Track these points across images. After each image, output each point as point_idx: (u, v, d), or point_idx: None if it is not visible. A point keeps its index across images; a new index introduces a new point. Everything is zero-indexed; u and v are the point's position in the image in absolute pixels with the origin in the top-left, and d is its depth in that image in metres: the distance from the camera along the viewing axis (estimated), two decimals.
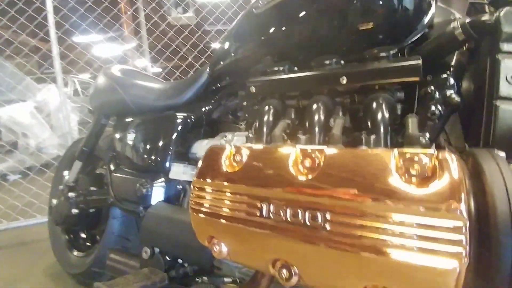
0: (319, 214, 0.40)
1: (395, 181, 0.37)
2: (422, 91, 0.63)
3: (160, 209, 0.88)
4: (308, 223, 0.41)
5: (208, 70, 1.05)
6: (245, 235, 0.49)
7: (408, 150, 0.38)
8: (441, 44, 0.62)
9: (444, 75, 0.63)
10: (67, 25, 2.41)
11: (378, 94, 0.62)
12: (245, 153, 0.52)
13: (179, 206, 0.94)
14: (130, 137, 1.11)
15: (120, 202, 1.08)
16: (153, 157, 1.03)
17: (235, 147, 0.54)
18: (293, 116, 0.72)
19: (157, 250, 0.82)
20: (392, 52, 0.64)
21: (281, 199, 0.45)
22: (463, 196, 0.34)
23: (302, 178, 0.44)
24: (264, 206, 0.45)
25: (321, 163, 0.43)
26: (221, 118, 1.11)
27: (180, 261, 0.79)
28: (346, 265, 0.40)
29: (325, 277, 0.43)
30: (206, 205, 0.53)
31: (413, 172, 0.36)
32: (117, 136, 1.16)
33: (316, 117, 0.64)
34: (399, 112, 0.63)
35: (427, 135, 0.58)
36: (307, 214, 0.41)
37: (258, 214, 0.46)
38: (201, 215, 0.54)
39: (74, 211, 1.29)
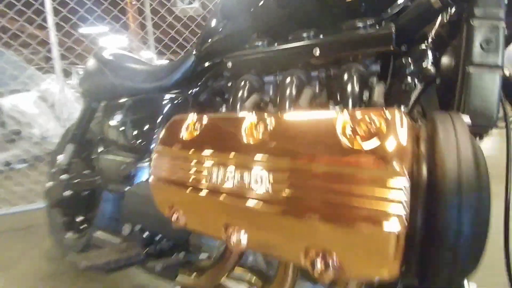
0: (263, 177, 0.40)
1: (339, 140, 0.36)
2: (397, 63, 0.61)
3: (141, 188, 0.89)
4: (253, 186, 0.41)
5: (194, 51, 1.04)
6: (199, 202, 0.49)
7: (355, 110, 0.37)
8: (417, 14, 0.60)
9: (421, 47, 0.61)
10: (75, 18, 2.41)
11: (351, 65, 0.60)
12: (205, 120, 0.51)
13: None
14: (117, 119, 1.11)
15: (106, 183, 1.10)
16: (138, 138, 1.03)
17: (197, 116, 0.53)
18: (268, 91, 0.71)
19: (137, 228, 0.83)
20: (369, 23, 0.62)
21: (230, 163, 0.44)
22: (406, 154, 0.33)
23: (251, 142, 0.43)
24: (215, 171, 0.45)
25: (272, 128, 0.42)
26: (208, 100, 1.11)
27: (157, 238, 0.80)
28: (288, 228, 0.39)
29: (269, 240, 0.43)
30: (164, 172, 0.53)
31: (358, 131, 0.35)
32: (105, 118, 1.17)
33: (288, 91, 0.63)
34: (374, 84, 0.61)
35: (402, 108, 0.57)
36: (252, 177, 0.41)
37: (209, 179, 0.46)
38: (160, 183, 0.54)
39: (67, 193, 1.31)
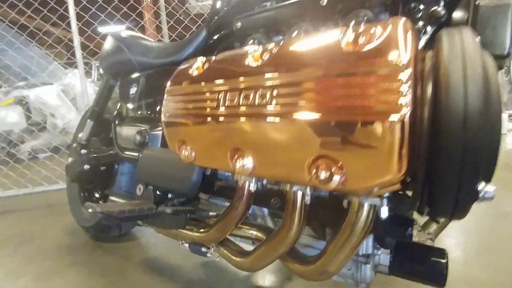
0: (269, 93, 0.41)
1: (343, 46, 0.36)
2: (407, 8, 0.60)
3: (154, 150, 0.92)
4: (259, 104, 0.42)
5: (205, 26, 1.06)
6: (206, 132, 0.51)
7: (359, 25, 0.37)
8: None
9: None
10: (87, 16, 2.51)
11: (359, 13, 0.60)
12: (213, 59, 0.53)
13: None
14: (133, 91, 1.16)
15: (122, 152, 1.14)
16: (152, 109, 1.07)
17: (206, 58, 0.55)
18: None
19: (150, 187, 0.86)
20: None
21: (237, 86, 0.45)
22: (411, 50, 0.32)
23: (257, 64, 0.44)
24: (222, 96, 0.46)
25: (277, 50, 0.43)
26: None
27: (169, 196, 0.82)
28: (294, 140, 0.40)
29: (275, 160, 0.44)
30: (174, 109, 0.55)
31: (362, 37, 0.35)
32: (122, 91, 1.21)
33: None
34: None
35: None
36: (259, 95, 0.42)
37: (217, 105, 0.47)
38: (170, 121, 0.56)
39: (86, 167, 1.37)
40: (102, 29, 3.63)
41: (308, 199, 0.55)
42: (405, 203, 0.55)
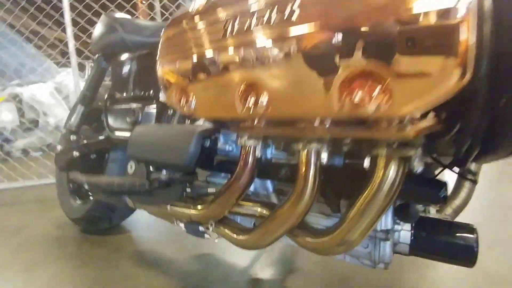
0: (288, 5, 0.34)
1: None
2: None
3: (147, 125, 0.85)
4: (274, 19, 0.35)
5: None
6: (211, 71, 0.44)
7: None
8: None
9: None
10: (83, 22, 2.46)
11: None
12: None
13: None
14: (126, 70, 1.09)
15: (113, 134, 1.07)
16: (146, 86, 1.01)
17: None
18: None
19: (142, 164, 0.79)
20: None
21: (247, 10, 0.39)
22: None
23: None
24: (230, 24, 0.40)
25: None
26: None
27: (164, 172, 0.75)
28: (325, 56, 0.33)
29: (296, 89, 0.37)
30: (172, 54, 0.49)
31: None
32: (114, 72, 1.15)
33: None
34: None
35: None
36: (275, 11, 0.35)
37: (222, 36, 0.41)
38: (168, 68, 0.50)
39: (76, 154, 1.29)
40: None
41: (325, 156, 0.48)
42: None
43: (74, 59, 2.31)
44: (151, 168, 0.76)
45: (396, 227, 0.59)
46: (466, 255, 0.54)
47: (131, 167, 0.82)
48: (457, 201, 0.75)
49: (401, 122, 0.35)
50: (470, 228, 0.56)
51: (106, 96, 1.19)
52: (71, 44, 2.25)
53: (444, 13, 0.26)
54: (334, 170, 0.57)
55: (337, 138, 0.48)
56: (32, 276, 1.11)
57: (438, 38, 0.27)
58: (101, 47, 1.26)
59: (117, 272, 1.11)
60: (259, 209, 0.66)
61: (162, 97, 0.90)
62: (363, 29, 0.30)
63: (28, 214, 1.76)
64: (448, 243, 0.56)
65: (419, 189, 0.50)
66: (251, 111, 0.40)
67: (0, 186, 2.10)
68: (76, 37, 2.46)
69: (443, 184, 0.49)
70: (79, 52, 2.46)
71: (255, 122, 0.46)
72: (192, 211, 0.68)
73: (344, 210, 0.61)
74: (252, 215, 0.66)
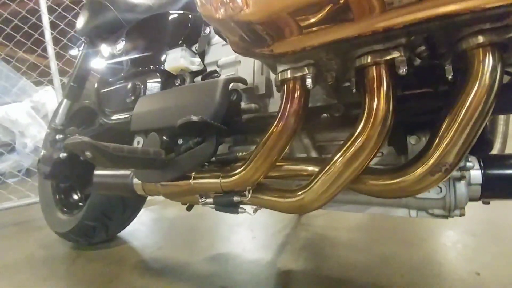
0: None
1: None
2: None
3: (154, 94, 0.73)
4: None
5: None
6: None
7: None
8: None
9: None
10: (65, 40, 2.32)
11: None
12: None
13: None
14: (119, 47, 0.97)
15: (109, 119, 0.92)
16: (144, 59, 0.88)
17: None
18: None
19: (153, 134, 0.65)
20: None
21: None
22: None
23: None
24: None
25: None
26: None
27: (180, 141, 0.62)
28: None
29: None
30: None
31: None
32: (106, 50, 1.02)
33: None
34: None
35: None
36: None
37: None
38: None
39: (62, 155, 1.13)
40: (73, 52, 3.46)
41: (402, 66, 0.38)
42: None
43: (57, 79, 2.14)
44: (164, 137, 0.63)
45: (468, 164, 0.49)
46: None
47: (138, 142, 0.68)
48: (497, 142, 0.67)
49: None
50: None
51: (96, 83, 1.06)
52: (53, 64, 2.08)
53: None
54: (401, 96, 0.47)
55: (413, 37, 0.38)
56: None
57: None
58: (91, 30, 1.13)
59: (122, 285, 0.93)
60: (308, 167, 0.54)
61: (167, 64, 0.78)
62: None
63: (6, 239, 1.54)
64: None
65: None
66: None
67: None
68: (58, 57, 2.31)
69: None
70: (61, 72, 2.30)
71: (314, 20, 0.35)
72: (223, 180, 0.55)
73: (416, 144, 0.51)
74: (299, 175, 0.54)
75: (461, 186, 0.49)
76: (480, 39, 0.36)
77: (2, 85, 3.40)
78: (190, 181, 0.59)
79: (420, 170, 0.39)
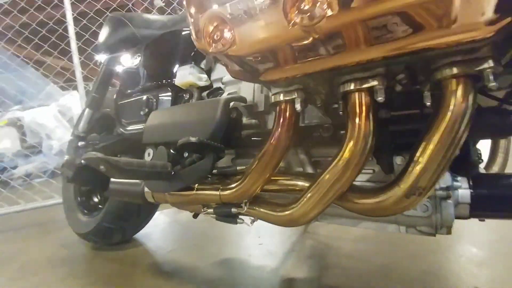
0: None
1: None
2: None
3: (164, 109, 0.79)
4: None
5: None
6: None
7: None
8: None
9: None
10: (89, 50, 2.47)
11: None
12: None
13: None
14: (136, 61, 1.04)
15: (126, 129, 1.00)
16: (157, 74, 0.95)
17: None
18: None
19: (161, 147, 0.71)
20: None
21: None
22: None
23: None
24: None
25: None
26: None
27: (185, 154, 0.67)
28: None
29: None
30: None
31: None
32: (124, 65, 1.10)
33: None
34: None
35: None
36: None
37: None
38: (197, 6, 0.43)
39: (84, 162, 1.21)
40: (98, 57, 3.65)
41: (380, 94, 0.41)
42: None
43: (81, 86, 2.29)
44: (171, 151, 0.68)
45: (455, 184, 0.51)
46: None
47: (149, 154, 0.74)
48: (496, 165, 0.68)
49: (473, 19, 0.30)
50: None
51: (115, 94, 1.14)
52: (78, 72, 2.24)
53: None
54: (388, 118, 0.50)
55: (393, 68, 0.41)
56: None
57: None
58: (110, 46, 1.22)
59: (135, 286, 1.00)
60: (299, 182, 0.57)
61: (177, 80, 0.84)
62: None
63: (29, 239, 1.65)
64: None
65: (491, 118, 0.44)
66: (304, 20, 0.34)
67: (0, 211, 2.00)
68: (82, 65, 2.46)
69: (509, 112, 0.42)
70: (85, 78, 2.45)
71: (300, 52, 0.39)
72: (222, 192, 0.60)
73: (401, 163, 0.53)
74: (292, 190, 0.58)
75: (447, 205, 0.51)
76: (452, 70, 0.38)
77: (30, 90, 3.63)
78: (193, 192, 0.64)
79: (396, 193, 0.42)
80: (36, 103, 3.79)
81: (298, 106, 0.49)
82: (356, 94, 0.44)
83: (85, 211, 1.40)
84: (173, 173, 0.64)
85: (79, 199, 1.43)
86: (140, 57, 1.04)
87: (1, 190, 2.21)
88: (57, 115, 3.76)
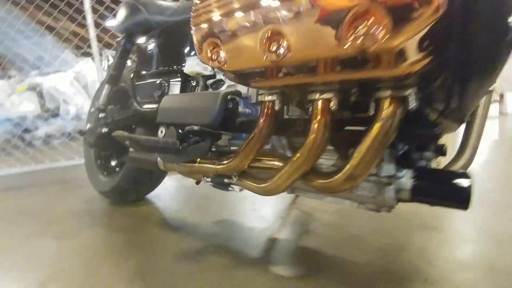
0: None
1: None
2: None
3: (175, 95, 0.94)
4: None
5: None
6: (240, 22, 0.52)
7: None
8: None
9: None
10: (102, 9, 2.55)
11: None
12: None
13: None
14: (150, 47, 1.18)
15: (141, 107, 1.16)
16: (169, 60, 1.09)
17: None
18: None
19: (172, 127, 0.88)
20: None
21: None
22: None
23: None
24: None
25: None
26: None
27: (191, 135, 0.84)
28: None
29: (309, 36, 0.45)
30: (207, 10, 0.57)
31: None
32: (139, 50, 1.24)
33: None
34: None
35: None
36: None
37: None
38: (202, 26, 0.58)
39: (104, 130, 1.40)
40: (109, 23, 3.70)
41: (334, 103, 0.56)
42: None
43: (95, 45, 2.42)
44: (180, 131, 0.85)
45: (399, 174, 0.67)
46: (460, 199, 0.60)
47: (162, 132, 0.91)
48: (462, 160, 0.82)
49: (398, 59, 0.43)
50: (465, 175, 0.62)
51: (132, 74, 1.29)
52: (92, 31, 2.35)
53: None
54: (344, 120, 0.65)
55: (345, 86, 0.55)
56: (63, 243, 1.21)
57: None
58: (126, 28, 1.36)
59: (146, 236, 1.22)
60: (276, 162, 0.74)
61: (186, 69, 0.99)
62: None
63: (57, 193, 1.91)
64: (444, 188, 0.63)
65: (415, 127, 0.58)
66: (273, 57, 0.48)
67: (27, 168, 2.25)
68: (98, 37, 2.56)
69: (435, 124, 0.56)
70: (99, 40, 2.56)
71: (275, 71, 0.54)
72: (218, 166, 0.77)
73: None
74: (270, 168, 0.75)
75: (388, 190, 0.67)
76: (386, 93, 0.52)
77: (47, 55, 3.78)
78: (196, 164, 0.82)
79: (340, 177, 0.58)
80: (52, 69, 3.94)
81: (277, 105, 0.64)
82: (318, 102, 0.59)
83: (105, 172, 1.61)
84: (180, 149, 0.81)
85: (99, 161, 1.64)
86: (154, 42, 1.18)
87: (28, 150, 2.45)
88: (73, 82, 3.93)
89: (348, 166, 0.57)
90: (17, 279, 0.98)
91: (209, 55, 0.58)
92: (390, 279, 0.85)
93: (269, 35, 0.48)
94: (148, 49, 1.19)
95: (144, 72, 1.20)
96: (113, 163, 1.66)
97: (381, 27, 0.39)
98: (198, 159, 0.82)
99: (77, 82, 4.03)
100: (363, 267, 0.92)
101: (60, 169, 2.28)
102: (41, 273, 1.00)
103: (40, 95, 3.76)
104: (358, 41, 0.40)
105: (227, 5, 0.53)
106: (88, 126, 1.50)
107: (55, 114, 3.70)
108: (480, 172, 1.75)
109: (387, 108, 0.53)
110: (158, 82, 1.05)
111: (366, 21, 0.40)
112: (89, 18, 2.33)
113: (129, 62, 1.49)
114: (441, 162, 0.82)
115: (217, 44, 0.56)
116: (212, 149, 0.83)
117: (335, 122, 0.60)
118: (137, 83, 1.21)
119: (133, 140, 0.72)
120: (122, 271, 0.96)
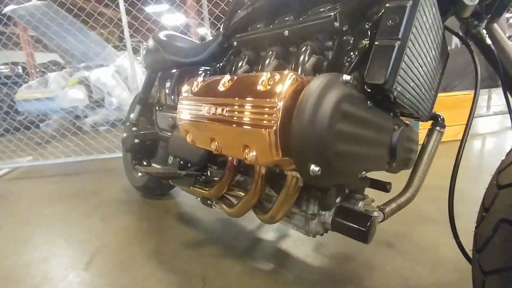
0: (223, 108, 0.72)
1: (258, 87, 0.66)
2: (341, 40, 0.82)
3: (179, 135, 1.29)
4: (219, 113, 0.73)
5: (222, 29, 1.36)
6: (198, 127, 0.84)
7: (270, 72, 0.66)
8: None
9: (362, 27, 0.80)
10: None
11: (306, 42, 0.86)
12: (203, 80, 0.85)
13: None
14: (168, 84, 1.52)
15: (160, 132, 1.53)
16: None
17: (199, 78, 0.87)
18: (258, 62, 1.00)
19: (176, 158, 1.23)
20: (322, 9, 0.86)
21: (212, 102, 0.77)
22: (285, 91, 0.61)
23: (223, 89, 0.75)
24: (206, 107, 0.78)
25: (232, 81, 0.74)
26: (230, 71, 1.44)
27: (188, 165, 1.19)
28: (234, 134, 0.71)
29: (228, 144, 0.76)
30: (183, 113, 0.89)
31: (268, 82, 0.64)
32: (160, 83, 1.58)
33: (267, 61, 0.93)
34: (314, 56, 0.84)
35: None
36: (219, 109, 0.73)
37: (202, 111, 0.80)
38: (182, 118, 0.90)
39: (136, 140, 1.80)
40: (148, 9, 4.06)
41: (264, 169, 0.86)
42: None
43: (129, 43, 2.81)
44: (181, 162, 1.20)
45: (321, 212, 0.94)
46: (361, 235, 0.84)
47: (170, 159, 1.27)
48: (404, 198, 1.02)
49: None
50: (368, 218, 0.86)
51: (156, 100, 1.65)
52: (128, 44, 2.74)
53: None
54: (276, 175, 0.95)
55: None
56: (107, 224, 1.68)
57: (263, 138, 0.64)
58: (149, 63, 1.70)
59: (164, 224, 1.63)
60: (241, 193, 1.06)
61: None
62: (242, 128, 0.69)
63: (102, 181, 2.41)
64: (351, 226, 0.86)
65: (314, 192, 0.86)
66: (214, 149, 0.80)
67: (79, 158, 2.79)
68: (129, 25, 2.90)
69: (327, 190, 0.84)
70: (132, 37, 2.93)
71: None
72: (204, 191, 1.12)
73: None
74: (238, 196, 1.08)
75: (312, 223, 0.94)
76: (288, 172, 0.81)
77: (93, 49, 4.28)
78: (191, 187, 1.17)
79: (267, 215, 0.89)
80: (96, 63, 4.47)
81: (235, 162, 0.95)
82: (256, 167, 0.89)
83: (138, 172, 2.04)
84: (181, 175, 1.17)
85: (133, 162, 2.08)
86: (170, 81, 1.51)
87: (78, 142, 2.99)
88: (115, 75, 4.42)
89: (271, 212, 0.88)
90: (76, 248, 1.45)
91: (186, 135, 0.91)
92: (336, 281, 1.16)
93: (211, 137, 0.79)
94: (167, 85, 1.53)
95: (163, 102, 1.55)
96: (144, 162, 2.09)
97: (253, 153, 0.68)
98: (194, 184, 1.18)
99: (119, 75, 4.54)
100: (316, 269, 1.24)
101: (106, 159, 2.81)
102: (91, 245, 1.45)
103: (88, 88, 4.33)
104: (246, 156, 0.70)
105: (193, 113, 0.85)
106: (125, 135, 1.91)
107: (101, 105, 4.26)
108: None
109: (290, 180, 0.81)
110: (171, 116, 1.39)
111: (247, 148, 0.69)
112: (121, 5, 2.67)
113: None
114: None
115: (189, 131, 0.89)
116: (203, 176, 1.18)
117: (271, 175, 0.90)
118: (158, 110, 1.57)
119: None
120: (144, 250, 1.38)
